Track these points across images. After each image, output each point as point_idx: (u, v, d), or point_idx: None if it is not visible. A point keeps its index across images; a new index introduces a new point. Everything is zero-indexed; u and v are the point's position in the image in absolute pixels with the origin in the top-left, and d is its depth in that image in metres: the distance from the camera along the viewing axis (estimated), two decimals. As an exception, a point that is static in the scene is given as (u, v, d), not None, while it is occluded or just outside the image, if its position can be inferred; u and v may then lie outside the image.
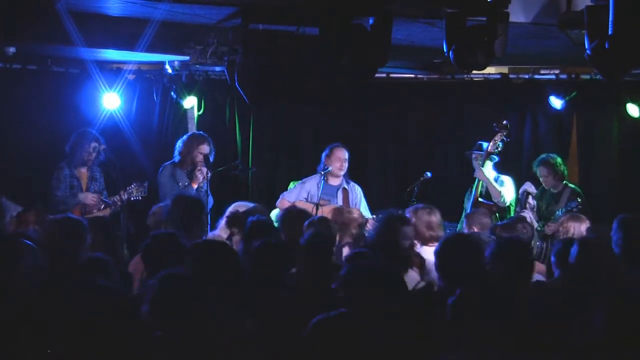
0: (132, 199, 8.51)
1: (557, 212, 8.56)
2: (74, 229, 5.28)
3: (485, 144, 8.99)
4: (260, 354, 4.02)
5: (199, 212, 6.70)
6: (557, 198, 8.88)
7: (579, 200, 8.60)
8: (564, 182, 8.97)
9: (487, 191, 8.88)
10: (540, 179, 8.99)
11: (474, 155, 9.04)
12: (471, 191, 9.05)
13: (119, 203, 8.49)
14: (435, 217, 6.86)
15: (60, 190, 8.57)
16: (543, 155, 9.11)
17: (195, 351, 3.60)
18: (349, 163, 8.90)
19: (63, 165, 8.66)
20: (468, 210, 8.77)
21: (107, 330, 3.38)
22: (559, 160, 9.00)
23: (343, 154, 8.82)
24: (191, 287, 3.79)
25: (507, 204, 8.85)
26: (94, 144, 8.64)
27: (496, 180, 8.93)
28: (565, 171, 9.01)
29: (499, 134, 8.85)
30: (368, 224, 7.83)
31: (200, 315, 3.70)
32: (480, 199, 8.81)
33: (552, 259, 5.48)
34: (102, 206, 8.58)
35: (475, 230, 7.16)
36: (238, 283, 4.48)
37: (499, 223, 7.29)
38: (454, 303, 3.85)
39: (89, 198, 8.56)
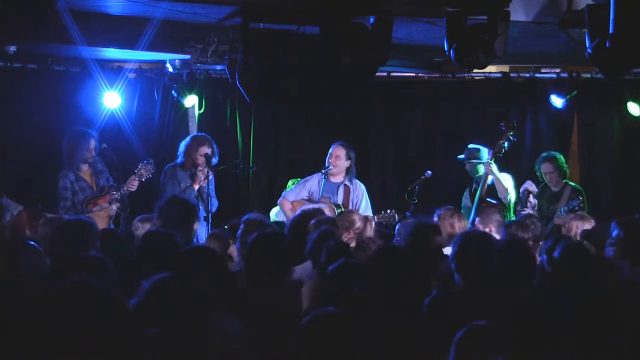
0: (143, 179, 8.42)
1: (559, 212, 8.51)
2: (84, 231, 5.27)
3: (482, 148, 8.96)
4: (254, 354, 4.01)
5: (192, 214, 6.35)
6: (558, 196, 8.84)
7: (580, 198, 8.56)
8: (565, 180, 8.96)
9: (489, 190, 8.82)
10: (545, 176, 8.93)
11: (472, 161, 9.01)
12: (471, 191, 9.02)
13: (131, 188, 8.36)
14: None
15: (69, 200, 8.42)
16: (545, 153, 9.08)
17: (185, 352, 3.58)
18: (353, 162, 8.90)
19: (66, 172, 8.47)
20: (473, 210, 8.74)
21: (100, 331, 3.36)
22: (562, 157, 9.00)
23: (335, 151, 8.79)
24: (183, 289, 3.77)
25: (513, 200, 8.82)
26: (92, 142, 8.57)
27: None
28: (567, 170, 9.00)
29: (506, 133, 8.79)
30: (369, 226, 7.78)
31: (191, 316, 3.68)
32: (487, 199, 8.76)
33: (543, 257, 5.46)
34: (114, 198, 8.48)
35: (493, 228, 7.09)
36: (227, 285, 4.46)
37: (512, 221, 7.21)
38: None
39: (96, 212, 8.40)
